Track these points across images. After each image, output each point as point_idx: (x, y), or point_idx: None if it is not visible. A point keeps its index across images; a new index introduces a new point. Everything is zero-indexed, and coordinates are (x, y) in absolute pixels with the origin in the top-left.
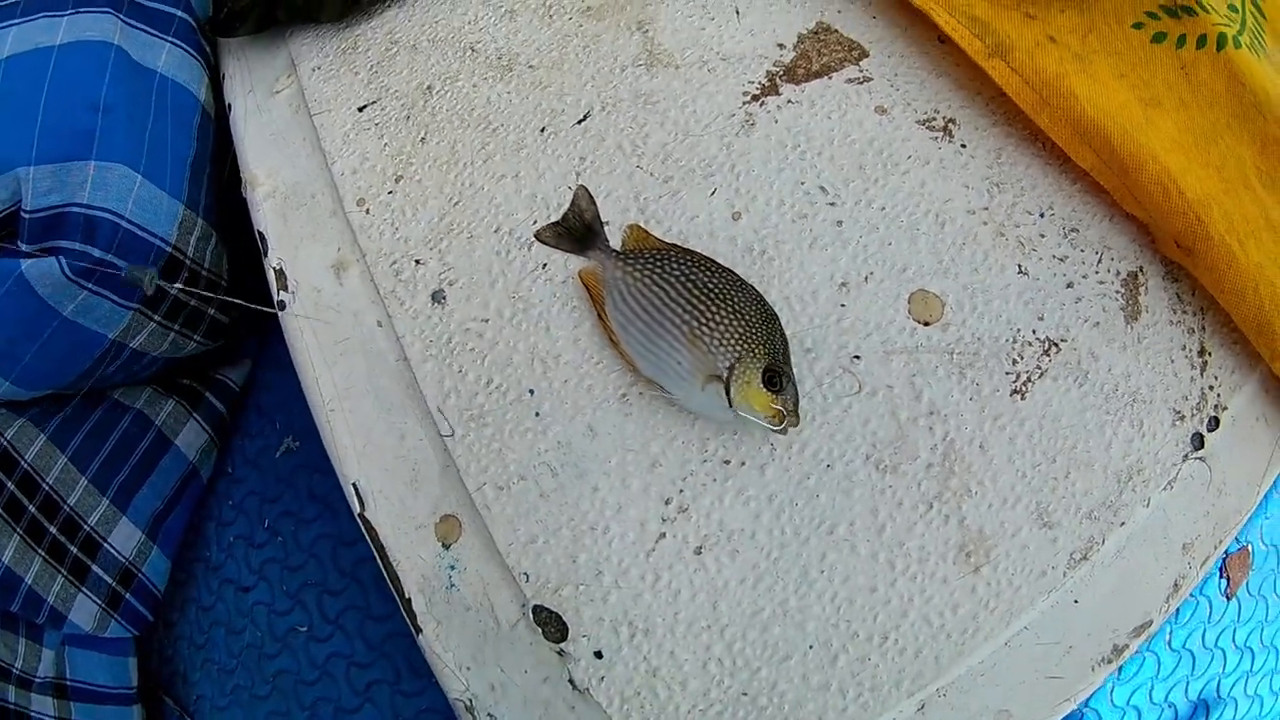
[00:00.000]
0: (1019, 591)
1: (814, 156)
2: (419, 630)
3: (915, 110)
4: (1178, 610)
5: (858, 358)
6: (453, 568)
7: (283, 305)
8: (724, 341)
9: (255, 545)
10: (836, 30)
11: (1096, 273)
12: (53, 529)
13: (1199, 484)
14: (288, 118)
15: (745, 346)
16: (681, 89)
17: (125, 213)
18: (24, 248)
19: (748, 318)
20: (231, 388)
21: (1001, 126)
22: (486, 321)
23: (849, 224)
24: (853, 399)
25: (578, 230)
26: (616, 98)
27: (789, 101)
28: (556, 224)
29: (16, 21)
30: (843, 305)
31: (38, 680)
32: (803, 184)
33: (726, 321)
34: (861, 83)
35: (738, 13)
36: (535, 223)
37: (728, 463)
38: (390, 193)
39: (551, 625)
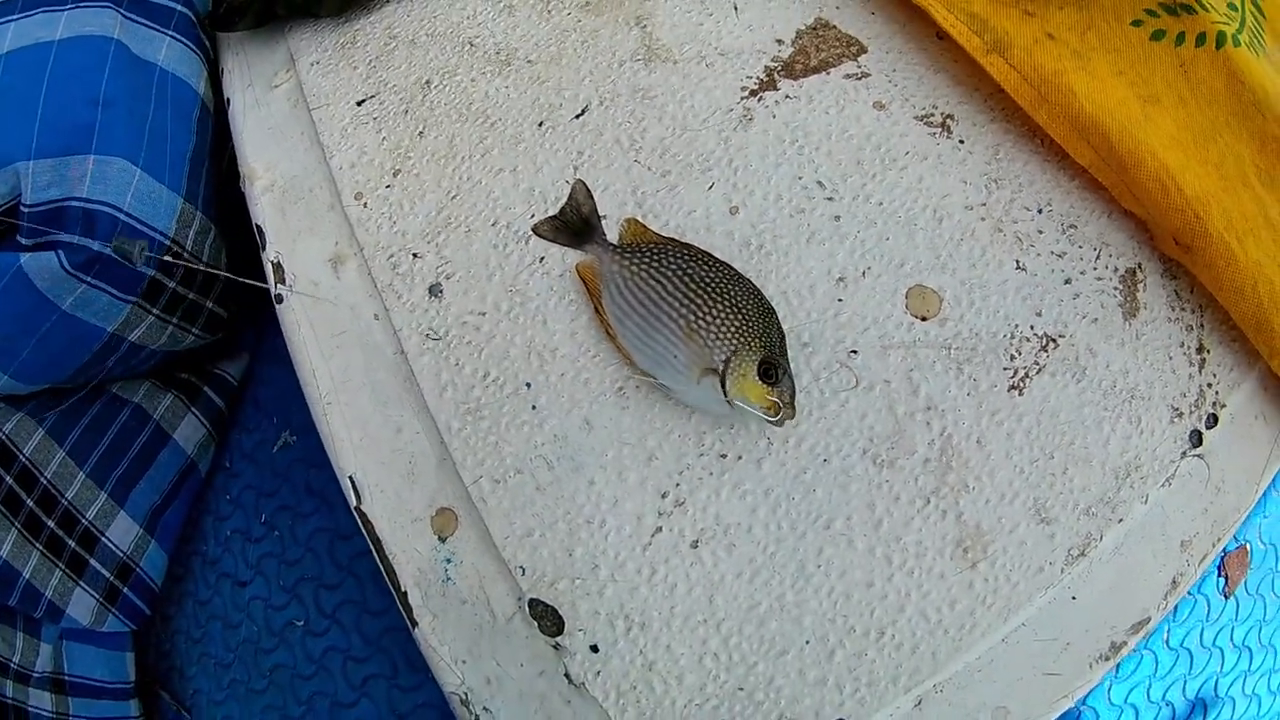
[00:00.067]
0: (1016, 588)
1: (812, 151)
2: (415, 624)
3: (913, 106)
4: (1176, 608)
5: (855, 352)
6: (449, 561)
7: (280, 298)
8: (720, 335)
9: (252, 540)
10: (835, 26)
11: (1095, 269)
12: (51, 523)
13: (1197, 481)
14: (286, 112)
15: (741, 339)
16: (679, 84)
17: (124, 206)
18: (23, 241)
19: (744, 311)
20: (230, 382)
21: (999, 123)
22: (483, 315)
23: (846, 219)
24: (850, 394)
25: (575, 224)
26: (614, 92)
27: (787, 97)
28: (554, 218)
29: (16, 16)
30: (840, 300)
31: (35, 675)
32: (800, 179)
33: (723, 315)
34: (860, 78)
35: (736, 8)
36: (533, 217)
37: (724, 456)
38: (388, 186)
39: (547, 619)
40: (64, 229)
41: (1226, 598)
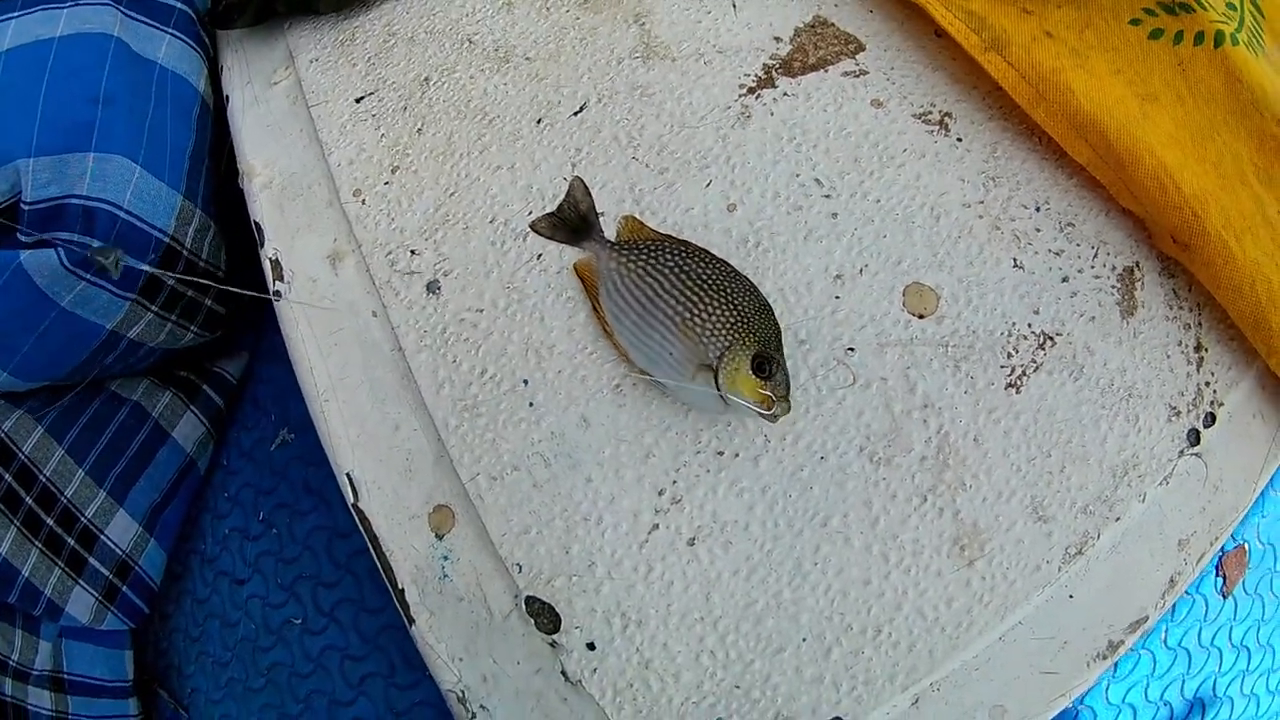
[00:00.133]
0: (1013, 586)
1: (809, 149)
2: (412, 621)
3: (911, 104)
4: (1174, 608)
5: (852, 350)
6: (446, 558)
7: (278, 295)
8: (715, 331)
9: (250, 538)
10: (833, 24)
11: (1092, 267)
12: (50, 521)
13: (1195, 480)
14: (285, 109)
15: (735, 335)
16: (678, 81)
17: (124, 204)
18: (23, 239)
19: (740, 308)
20: (228, 380)
21: (997, 121)
22: (481, 312)
23: (844, 216)
24: (847, 391)
25: (573, 221)
26: (613, 90)
27: (785, 94)
28: (552, 215)
29: (16, 14)
30: (837, 297)
31: (34, 673)
32: (798, 176)
33: (718, 312)
34: (857, 76)
35: (734, 6)
36: (531, 214)
37: (721, 454)
38: (386, 183)
39: (544, 616)
40: (63, 227)
41: (1225, 597)
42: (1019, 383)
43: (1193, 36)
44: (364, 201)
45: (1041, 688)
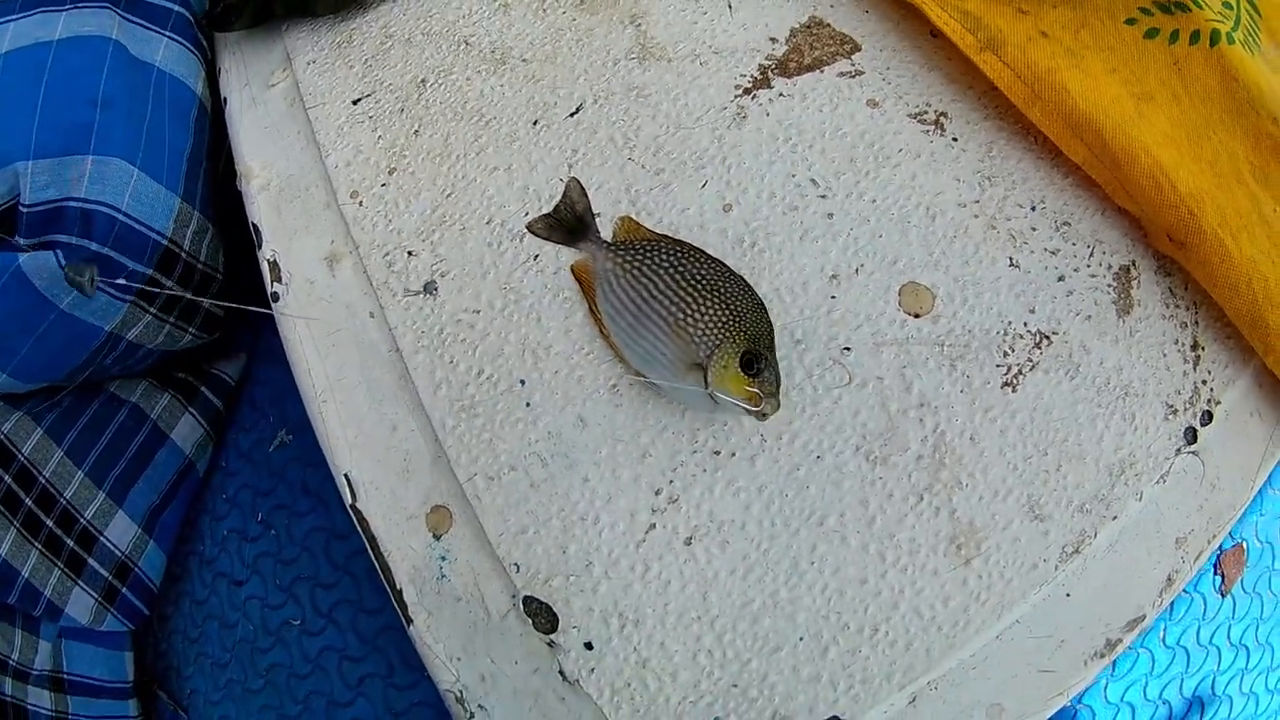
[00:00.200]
0: (1010, 584)
1: (805, 149)
2: (410, 621)
3: (907, 104)
4: (1172, 606)
5: (848, 349)
6: (443, 558)
7: (276, 297)
8: (707, 330)
9: (248, 539)
10: (829, 24)
11: (1088, 266)
12: (49, 522)
13: (1192, 478)
14: (283, 111)
15: (726, 334)
16: (674, 82)
17: (122, 206)
18: (21, 241)
19: (733, 307)
20: (227, 382)
21: (993, 120)
22: (478, 313)
23: (840, 216)
24: (843, 390)
25: (569, 222)
26: (609, 91)
27: (781, 95)
28: (548, 216)
29: (15, 17)
30: (833, 297)
31: (34, 673)
32: (794, 176)
33: (711, 311)
34: (853, 76)
35: (730, 7)
36: (527, 215)
37: (718, 453)
38: (383, 185)
39: (542, 616)
40: (62, 229)
41: (1223, 596)
42: (1015, 381)
43: (1188, 35)
44: (361, 203)
45: (1039, 686)
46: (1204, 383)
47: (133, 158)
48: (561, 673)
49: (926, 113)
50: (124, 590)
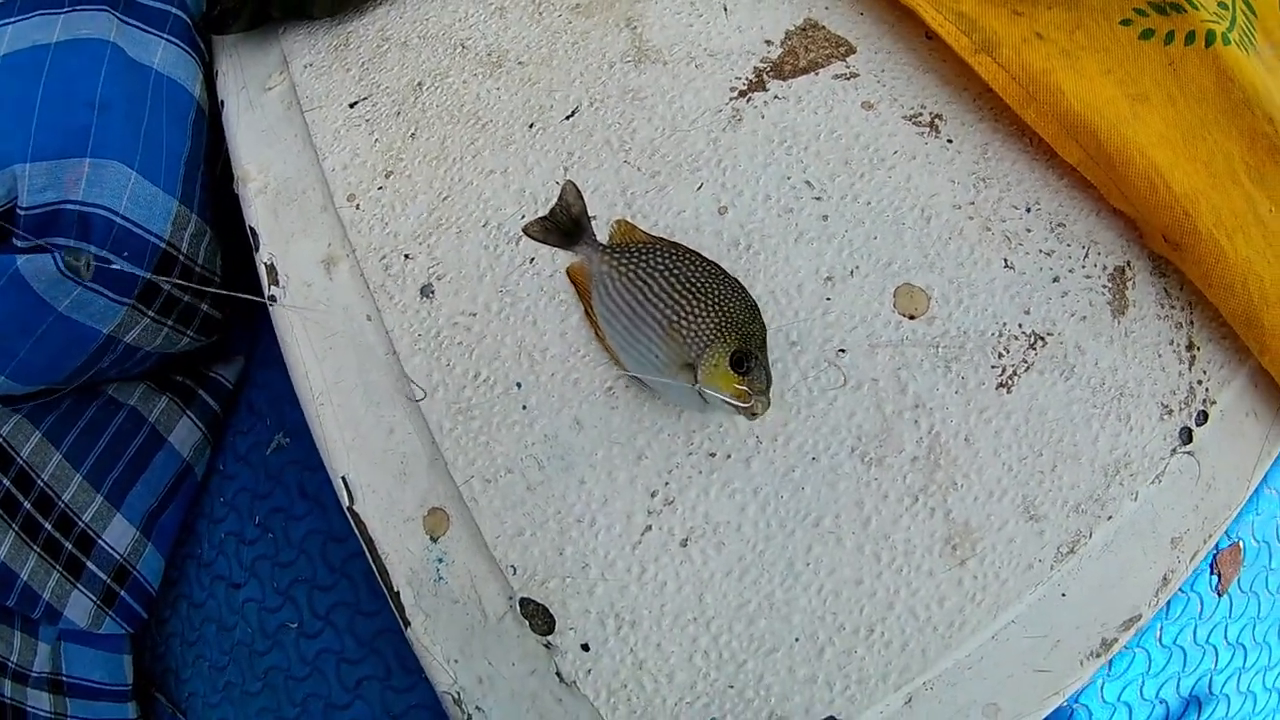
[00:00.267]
0: (1005, 584)
1: (800, 151)
2: (407, 623)
3: (902, 106)
4: (1168, 606)
5: (843, 351)
6: (440, 561)
7: (273, 299)
8: (699, 330)
9: (246, 542)
10: (824, 27)
11: (1083, 267)
12: (48, 525)
13: (1187, 478)
14: (280, 114)
15: (717, 333)
16: (669, 85)
17: (120, 209)
18: (19, 244)
19: (725, 309)
20: (225, 386)
21: (988, 122)
22: (474, 315)
23: (835, 218)
24: (838, 392)
25: (565, 225)
26: (605, 94)
27: (776, 97)
28: (544, 218)
29: (13, 20)
30: (828, 299)
31: (33, 675)
32: (789, 179)
33: (704, 313)
34: (848, 79)
35: (726, 9)
36: (523, 217)
37: (713, 455)
38: (380, 188)
39: (538, 618)
40: (60, 232)
41: (1220, 595)
42: (1010, 383)
43: (1184, 36)
44: (358, 206)
45: (1035, 686)
46: (1199, 383)
47: (130, 160)
48: (559, 674)
49: (921, 115)
50: (122, 593)
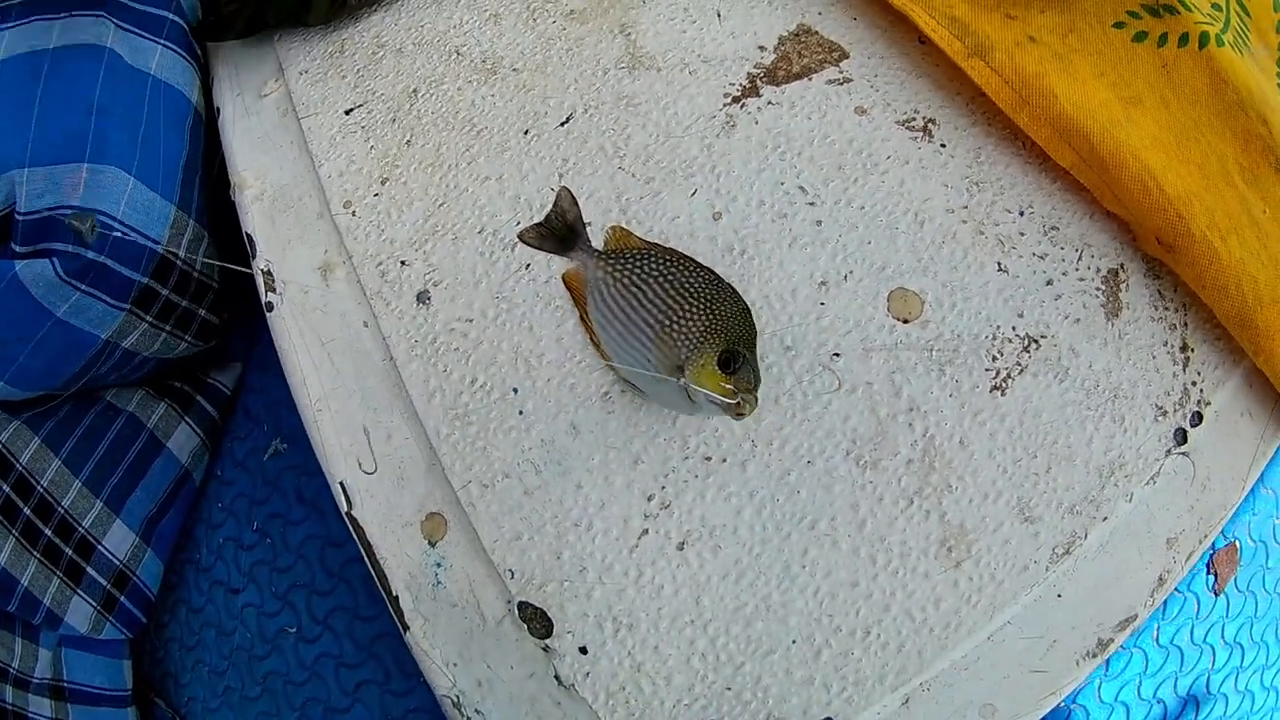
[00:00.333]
0: (1001, 586)
1: (794, 157)
2: (406, 627)
3: (895, 110)
4: (1165, 606)
5: (837, 355)
6: (439, 565)
7: (271, 306)
8: (689, 333)
9: (244, 547)
10: (817, 32)
11: (1077, 270)
12: (48, 531)
13: (1182, 479)
14: (275, 120)
15: (706, 335)
16: (663, 91)
17: (118, 214)
18: (17, 249)
19: (717, 312)
20: (223, 392)
21: (981, 126)
22: (471, 321)
23: (828, 223)
24: (833, 396)
25: (560, 231)
26: (599, 100)
27: (769, 103)
28: (539, 225)
29: (11, 25)
30: (822, 304)
31: (35, 681)
32: (783, 184)
33: (695, 317)
34: (842, 84)
35: (719, 15)
36: (518, 224)
37: (709, 459)
38: (376, 195)
39: (536, 621)
40: (58, 237)
41: (1216, 595)
42: (1004, 385)
43: (1177, 38)
44: (354, 213)
45: (1031, 686)
46: (1194, 384)
47: (128, 166)
48: (557, 677)
49: (914, 119)
50: (122, 599)
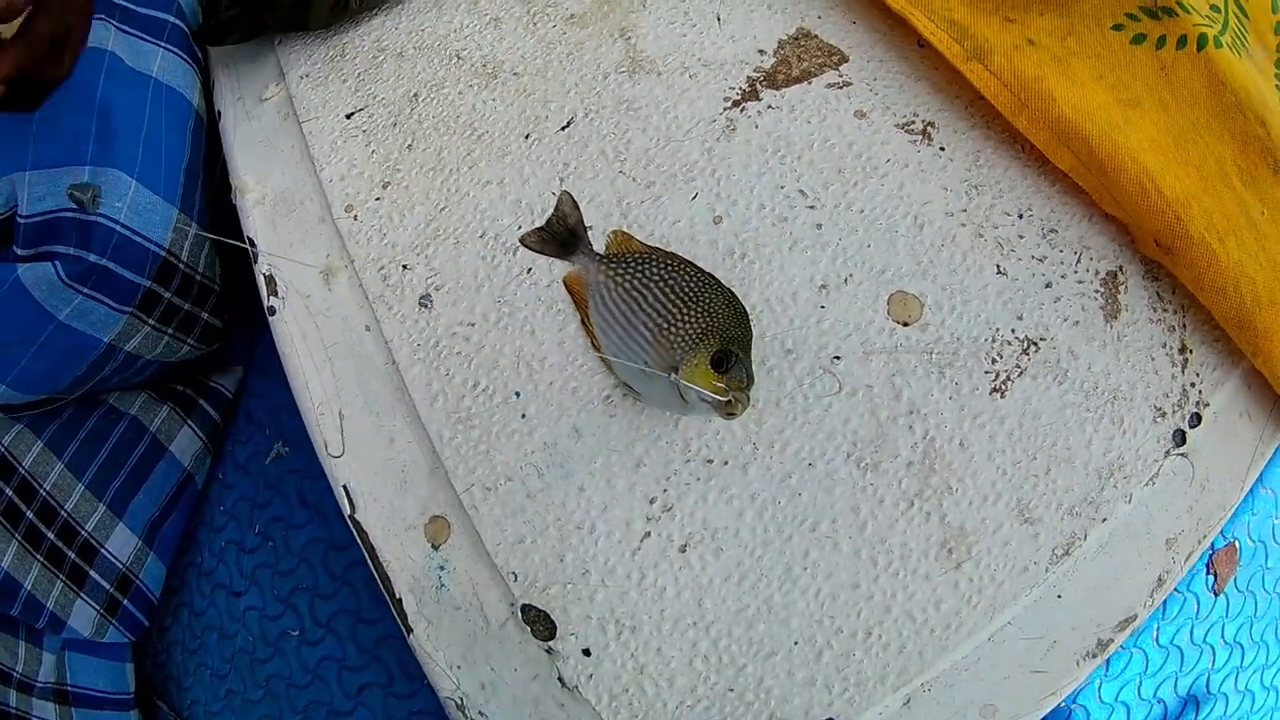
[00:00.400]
0: (1001, 587)
1: (794, 161)
2: (410, 630)
3: (894, 114)
4: (1164, 606)
5: (838, 358)
6: (442, 568)
7: (273, 311)
8: (685, 334)
9: (246, 550)
10: (816, 36)
11: (1075, 272)
12: (51, 534)
13: (1181, 480)
14: (276, 125)
15: (702, 336)
16: (663, 95)
17: (120, 218)
18: (19, 252)
19: (713, 314)
20: (225, 395)
21: (980, 129)
22: (473, 325)
23: (828, 227)
24: (833, 399)
25: (562, 235)
26: (599, 104)
27: (769, 107)
28: (541, 229)
29: None
30: (822, 307)
31: (39, 685)
32: (783, 188)
33: (693, 320)
34: (841, 87)
35: (719, 19)
36: (520, 228)
37: (711, 462)
38: (378, 199)
39: (540, 624)
40: (60, 240)
41: (1216, 595)
42: (1003, 388)
43: (1175, 40)
44: (356, 217)
45: (1032, 686)
46: (1192, 385)
47: (130, 169)
48: (560, 679)
49: (914, 122)
50: (125, 602)
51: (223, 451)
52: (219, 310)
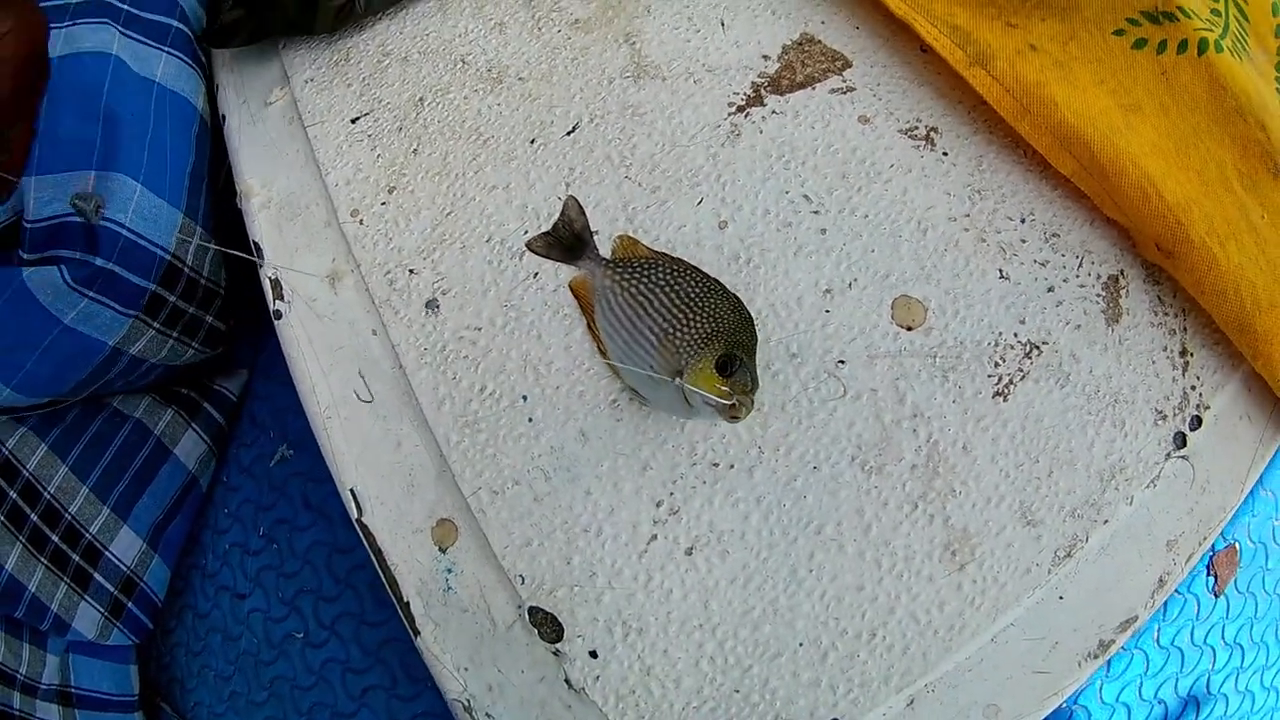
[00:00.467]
0: (1004, 588)
1: (798, 166)
2: (417, 633)
3: (898, 119)
4: (1165, 607)
5: (842, 362)
6: (449, 571)
7: (279, 315)
8: (690, 338)
9: (251, 553)
10: (820, 41)
11: (1077, 276)
12: (54, 537)
13: (1182, 482)
14: (281, 129)
15: (707, 340)
16: (668, 100)
17: (126, 222)
18: (25, 256)
19: (719, 318)
20: (229, 398)
21: (983, 134)
22: (479, 330)
23: (833, 232)
24: (838, 403)
25: (567, 240)
26: (605, 109)
27: (774, 112)
28: (547, 234)
29: None
30: (827, 311)
31: (43, 687)
32: (787, 193)
33: (698, 324)
34: (845, 93)
35: (723, 25)
36: (526, 232)
37: (716, 465)
38: (383, 203)
39: (547, 626)
40: (66, 245)
41: (1216, 596)
42: (1006, 391)
43: (1176, 45)
44: (362, 221)
45: (1034, 687)
46: (1193, 388)
47: (135, 173)
48: (567, 681)
49: (917, 128)
50: (129, 604)
51: (227, 454)
52: (224, 314)
